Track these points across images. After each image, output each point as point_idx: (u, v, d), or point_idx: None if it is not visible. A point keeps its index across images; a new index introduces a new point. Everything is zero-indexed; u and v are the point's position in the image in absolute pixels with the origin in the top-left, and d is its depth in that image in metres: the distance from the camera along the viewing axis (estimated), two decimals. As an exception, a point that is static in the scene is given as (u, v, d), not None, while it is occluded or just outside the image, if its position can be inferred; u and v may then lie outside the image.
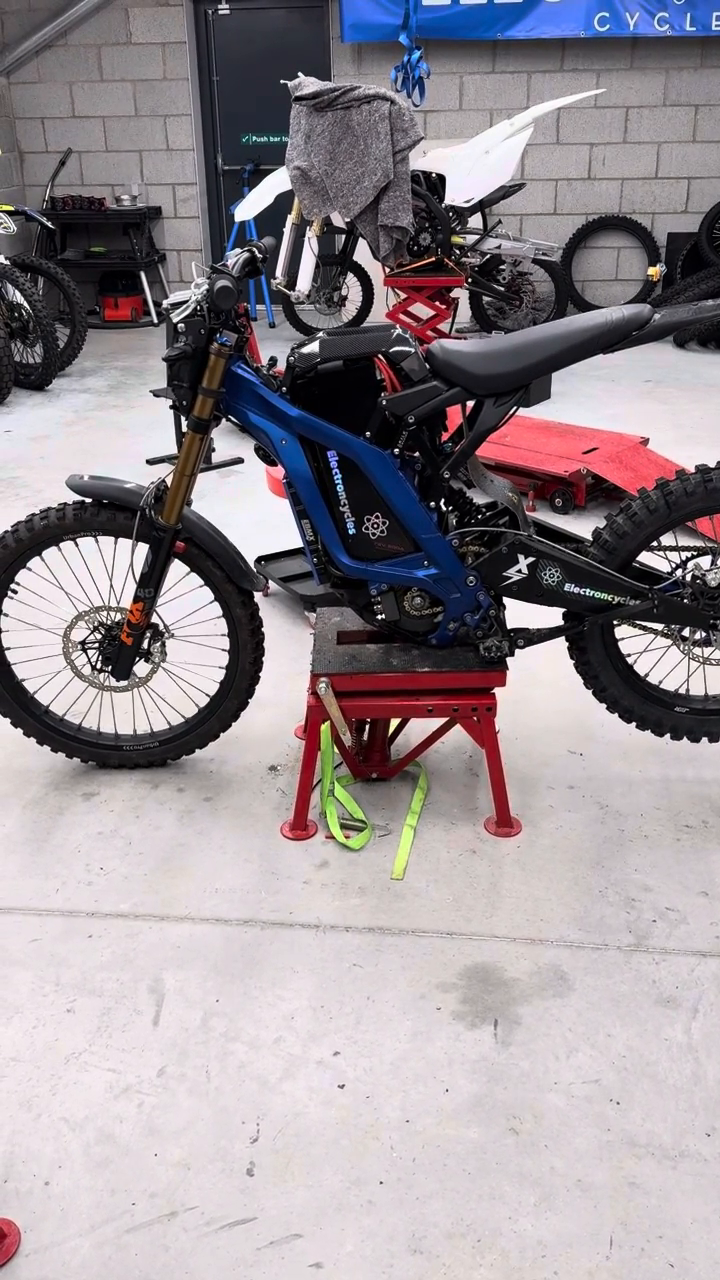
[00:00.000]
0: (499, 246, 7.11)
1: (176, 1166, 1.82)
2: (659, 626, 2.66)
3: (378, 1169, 1.81)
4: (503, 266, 7.50)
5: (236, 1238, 1.70)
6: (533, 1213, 1.73)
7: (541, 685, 3.29)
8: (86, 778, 2.90)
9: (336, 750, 2.71)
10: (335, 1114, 1.91)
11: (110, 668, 2.76)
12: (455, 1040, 2.05)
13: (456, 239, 6.68)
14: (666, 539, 4.54)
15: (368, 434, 2.41)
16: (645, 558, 3.77)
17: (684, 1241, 1.68)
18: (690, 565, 2.59)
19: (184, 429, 2.50)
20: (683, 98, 8.59)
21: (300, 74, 6.12)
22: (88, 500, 2.63)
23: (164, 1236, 1.71)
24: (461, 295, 7.65)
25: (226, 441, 5.73)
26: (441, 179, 6.58)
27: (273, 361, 2.51)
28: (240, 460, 5.50)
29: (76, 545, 2.83)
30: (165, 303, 2.46)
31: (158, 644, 2.76)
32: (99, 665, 2.77)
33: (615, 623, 2.59)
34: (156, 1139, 1.87)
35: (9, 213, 7.27)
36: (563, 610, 2.62)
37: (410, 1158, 1.83)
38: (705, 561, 2.60)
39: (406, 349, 2.38)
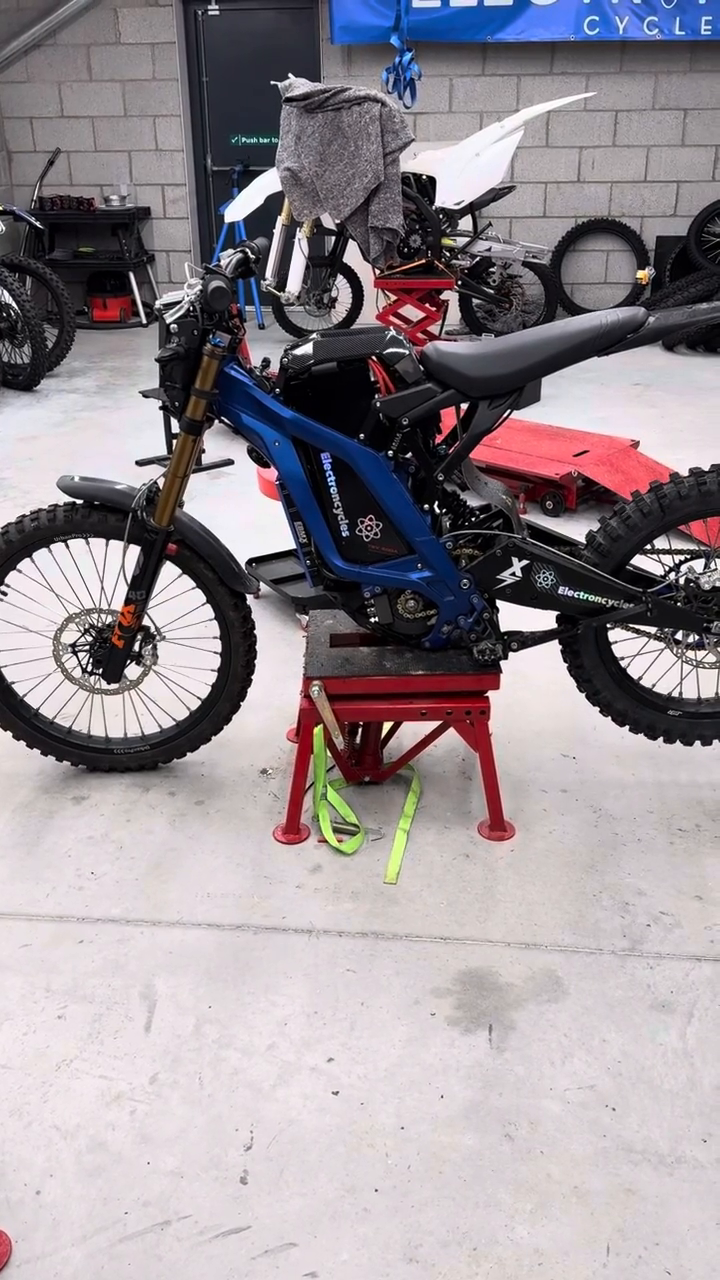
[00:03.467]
0: (489, 249, 7.10)
1: (169, 1175, 1.80)
2: (652, 630, 2.65)
3: (373, 1176, 1.79)
4: (492, 269, 7.49)
5: (230, 1247, 1.69)
6: (529, 1220, 1.72)
7: (534, 688, 3.28)
8: (77, 781, 2.88)
9: (329, 754, 2.69)
10: (330, 1121, 1.89)
11: (101, 670, 2.74)
12: (450, 1046, 2.04)
13: (446, 241, 6.68)
14: (660, 542, 4.54)
15: (361, 436, 2.40)
16: (639, 561, 3.77)
17: (681, 1248, 1.67)
18: (684, 569, 2.59)
19: (175, 430, 2.48)
20: (672, 101, 8.61)
21: (290, 75, 6.11)
22: (79, 502, 2.61)
23: (157, 1246, 1.69)
24: (451, 297, 7.65)
25: (217, 443, 5.71)
26: (432, 181, 6.58)
27: (265, 363, 2.50)
28: (230, 462, 5.48)
29: (67, 547, 2.81)
30: (158, 303, 2.44)
31: (149, 646, 2.75)
32: (90, 668, 2.75)
33: (609, 626, 2.59)
34: (149, 1147, 1.85)
35: (-3, 212, 7.25)
36: (556, 613, 2.61)
37: (405, 1165, 1.81)
38: (699, 565, 2.60)
39: (401, 351, 2.37)
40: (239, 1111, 1.92)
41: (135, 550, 4.13)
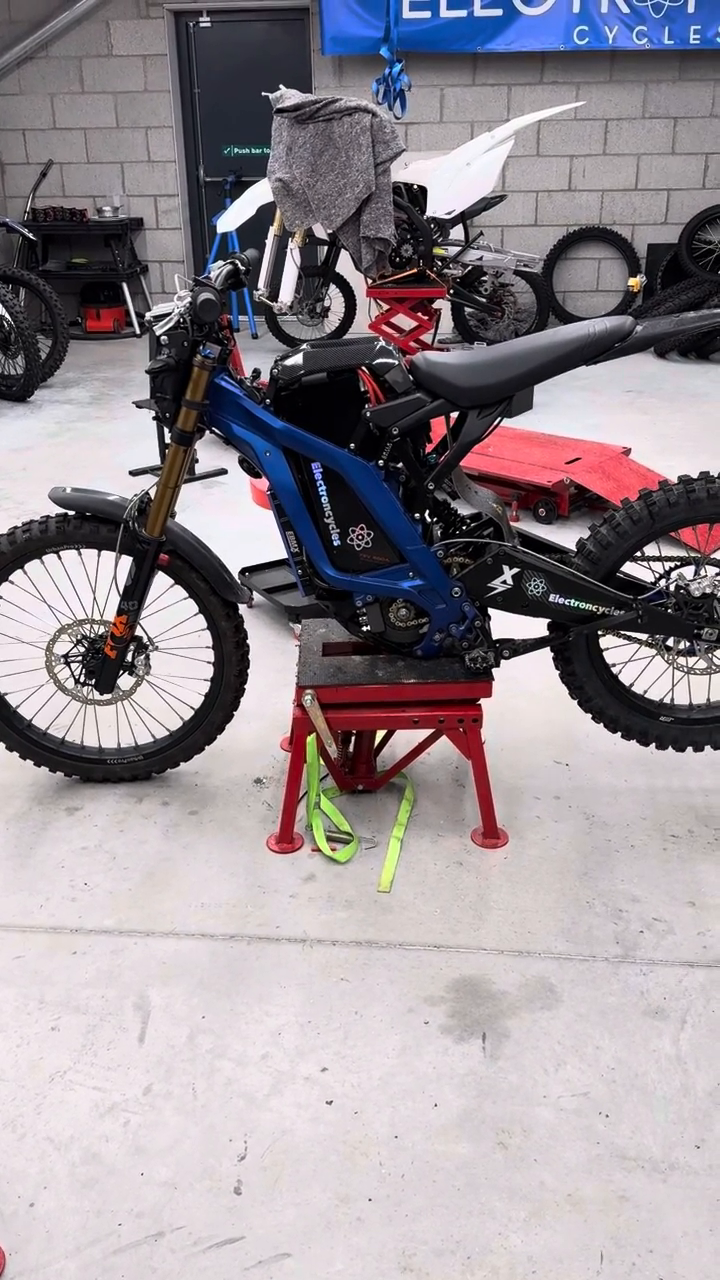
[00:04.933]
0: (480, 258, 7.14)
1: (163, 1186, 1.80)
2: (643, 636, 2.66)
3: (367, 1186, 1.79)
4: (484, 278, 7.53)
5: (224, 1258, 1.69)
6: (523, 1228, 1.72)
7: (527, 696, 3.29)
8: (70, 792, 2.88)
9: (322, 762, 2.69)
10: (323, 1130, 1.89)
11: (94, 681, 2.74)
12: (443, 1054, 2.04)
13: (438, 250, 6.70)
14: (650, 549, 4.55)
15: (352, 446, 2.41)
16: (629, 568, 3.78)
17: (675, 1255, 1.67)
18: (674, 575, 2.60)
19: (167, 441, 2.49)
20: (661, 110, 8.65)
21: (282, 86, 6.14)
22: (71, 513, 2.62)
23: (151, 1257, 1.69)
24: (443, 306, 7.67)
25: (210, 453, 5.72)
26: (423, 191, 6.60)
27: (256, 374, 2.51)
28: (224, 471, 5.49)
29: (59, 558, 2.81)
30: (148, 315, 2.45)
31: (141, 657, 2.75)
32: (82, 679, 2.76)
33: (600, 633, 2.60)
34: (143, 1158, 1.85)
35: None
36: (548, 621, 2.62)
37: (399, 1174, 1.81)
38: (688, 571, 2.61)
39: (390, 361, 2.38)
40: (233, 1122, 1.92)
41: (127, 561, 4.14)
